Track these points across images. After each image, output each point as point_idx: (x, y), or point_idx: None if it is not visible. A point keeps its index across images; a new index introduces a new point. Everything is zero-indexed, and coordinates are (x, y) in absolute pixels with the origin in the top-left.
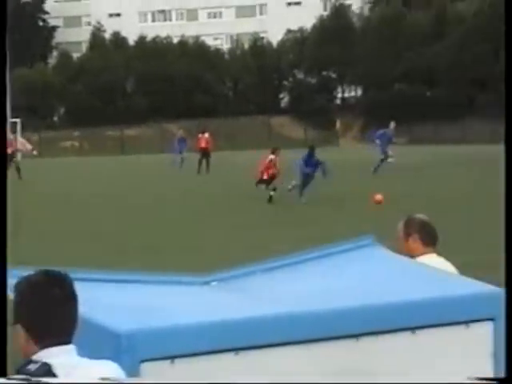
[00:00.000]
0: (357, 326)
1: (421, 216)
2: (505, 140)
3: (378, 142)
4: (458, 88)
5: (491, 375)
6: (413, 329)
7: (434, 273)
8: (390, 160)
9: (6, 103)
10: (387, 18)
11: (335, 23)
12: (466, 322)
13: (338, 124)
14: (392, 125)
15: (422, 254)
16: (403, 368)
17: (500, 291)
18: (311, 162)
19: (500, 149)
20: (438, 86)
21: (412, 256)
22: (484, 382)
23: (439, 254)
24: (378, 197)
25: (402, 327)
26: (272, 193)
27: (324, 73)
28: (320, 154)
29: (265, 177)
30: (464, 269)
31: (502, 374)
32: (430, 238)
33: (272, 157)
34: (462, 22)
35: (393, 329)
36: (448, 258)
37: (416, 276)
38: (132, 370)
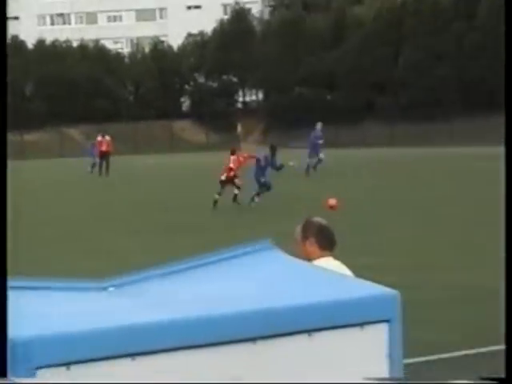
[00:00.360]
0: (254, 329)
1: (319, 219)
2: (505, 142)
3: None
4: (357, 91)
5: (387, 375)
6: (309, 331)
7: (330, 275)
8: (290, 163)
9: (6, 101)
10: (287, 22)
11: (235, 27)
12: (361, 324)
13: (239, 128)
14: (319, 125)
15: (318, 257)
16: (300, 371)
17: (395, 293)
18: (273, 163)
19: (396, 152)
20: (338, 89)
21: (309, 259)
22: (484, 381)
23: (337, 257)
24: (332, 201)
25: (299, 330)
26: (236, 191)
27: (225, 77)
28: (222, 158)
29: (223, 178)
30: (362, 272)
31: (397, 375)
32: (326, 242)
33: (233, 157)
34: (361, 26)
35: (289, 332)
36: (347, 261)
37: (312, 279)
38: (27, 377)
